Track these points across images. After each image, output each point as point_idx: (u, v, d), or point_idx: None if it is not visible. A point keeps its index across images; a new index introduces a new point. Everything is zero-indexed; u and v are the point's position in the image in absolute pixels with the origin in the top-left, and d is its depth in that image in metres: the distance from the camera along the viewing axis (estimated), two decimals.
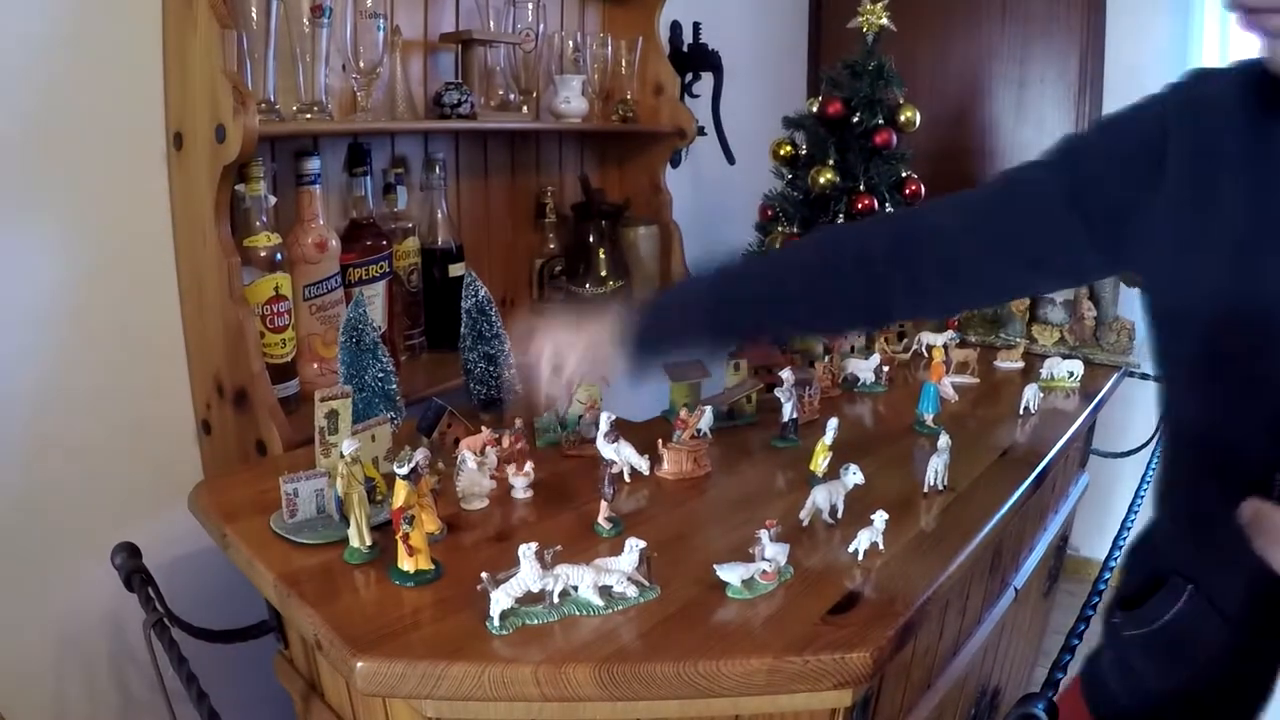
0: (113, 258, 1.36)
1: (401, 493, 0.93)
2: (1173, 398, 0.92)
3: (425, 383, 1.62)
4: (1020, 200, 0.94)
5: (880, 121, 2.07)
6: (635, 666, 0.82)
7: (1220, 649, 0.88)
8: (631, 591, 0.92)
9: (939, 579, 0.99)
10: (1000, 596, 1.49)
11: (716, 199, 2.76)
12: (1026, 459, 1.37)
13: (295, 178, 1.48)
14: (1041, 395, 1.62)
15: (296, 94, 1.46)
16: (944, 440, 1.23)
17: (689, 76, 2.57)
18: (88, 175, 1.31)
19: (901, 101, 2.11)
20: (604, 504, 1.09)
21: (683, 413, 1.31)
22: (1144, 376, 2.19)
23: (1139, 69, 2.81)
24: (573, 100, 1.96)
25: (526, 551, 0.88)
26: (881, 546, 1.03)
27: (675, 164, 2.48)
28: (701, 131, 2.45)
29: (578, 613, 0.90)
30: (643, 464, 1.21)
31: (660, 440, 1.28)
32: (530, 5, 1.94)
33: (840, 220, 2.08)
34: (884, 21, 2.08)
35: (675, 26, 2.52)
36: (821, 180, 2.03)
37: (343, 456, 1.00)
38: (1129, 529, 1.53)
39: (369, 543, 1.01)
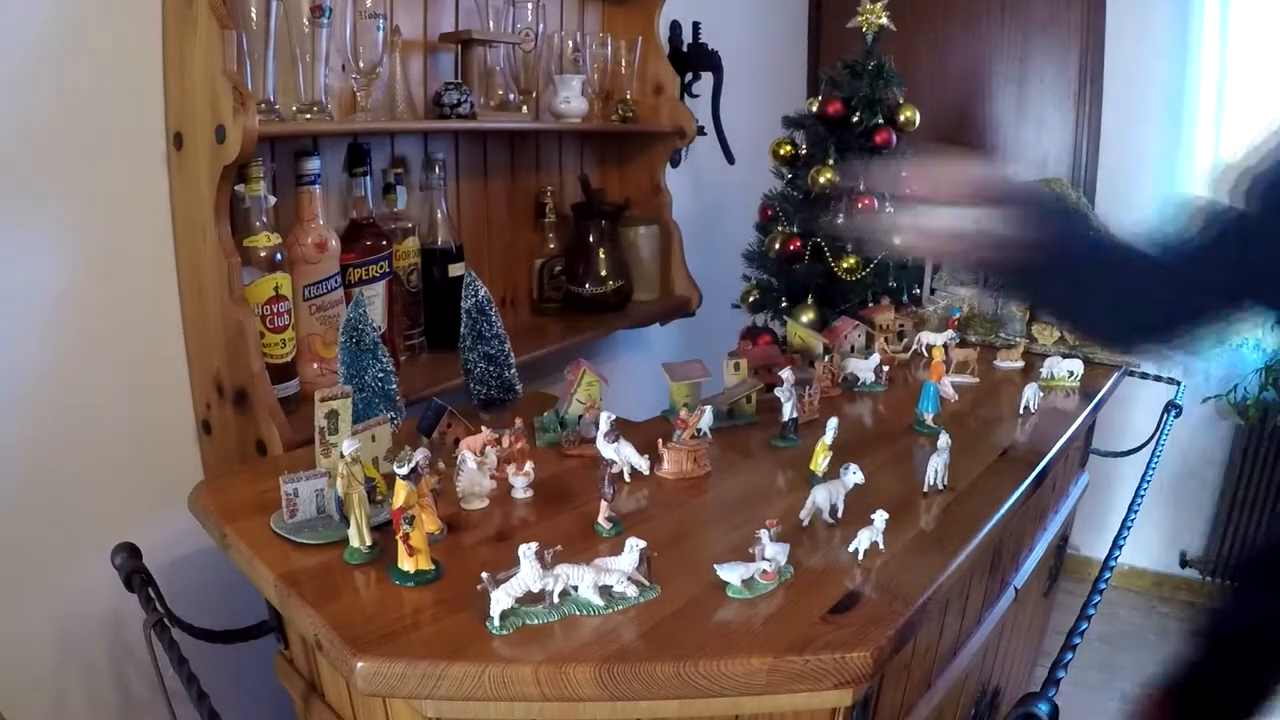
0: (113, 258, 1.36)
1: (401, 493, 0.93)
2: None
3: (425, 383, 1.62)
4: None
5: (880, 121, 2.07)
6: (635, 666, 0.82)
7: None
8: (632, 591, 0.92)
9: (939, 579, 0.99)
10: (1000, 596, 1.49)
11: (716, 199, 2.76)
12: (1026, 458, 1.37)
13: (295, 178, 1.48)
14: (1041, 394, 1.62)
15: (296, 94, 1.46)
16: (944, 440, 1.23)
17: (689, 76, 2.57)
18: (88, 175, 1.31)
19: (901, 101, 2.11)
20: (604, 504, 1.09)
21: (683, 412, 1.31)
22: (1144, 376, 2.19)
23: (1139, 68, 2.81)
24: (572, 100, 1.96)
25: (527, 551, 0.88)
26: (882, 546, 1.03)
27: (675, 164, 2.49)
28: (701, 131, 2.45)
29: (578, 613, 0.90)
30: (643, 464, 1.21)
31: (660, 440, 1.28)
32: (530, 5, 1.94)
33: (840, 220, 2.08)
34: (884, 21, 2.08)
35: (675, 26, 2.52)
36: (821, 180, 2.03)
37: (343, 456, 1.01)
38: (1129, 528, 1.53)
39: (369, 543, 1.01)
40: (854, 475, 1.12)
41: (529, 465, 1.19)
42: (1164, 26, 2.74)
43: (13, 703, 1.28)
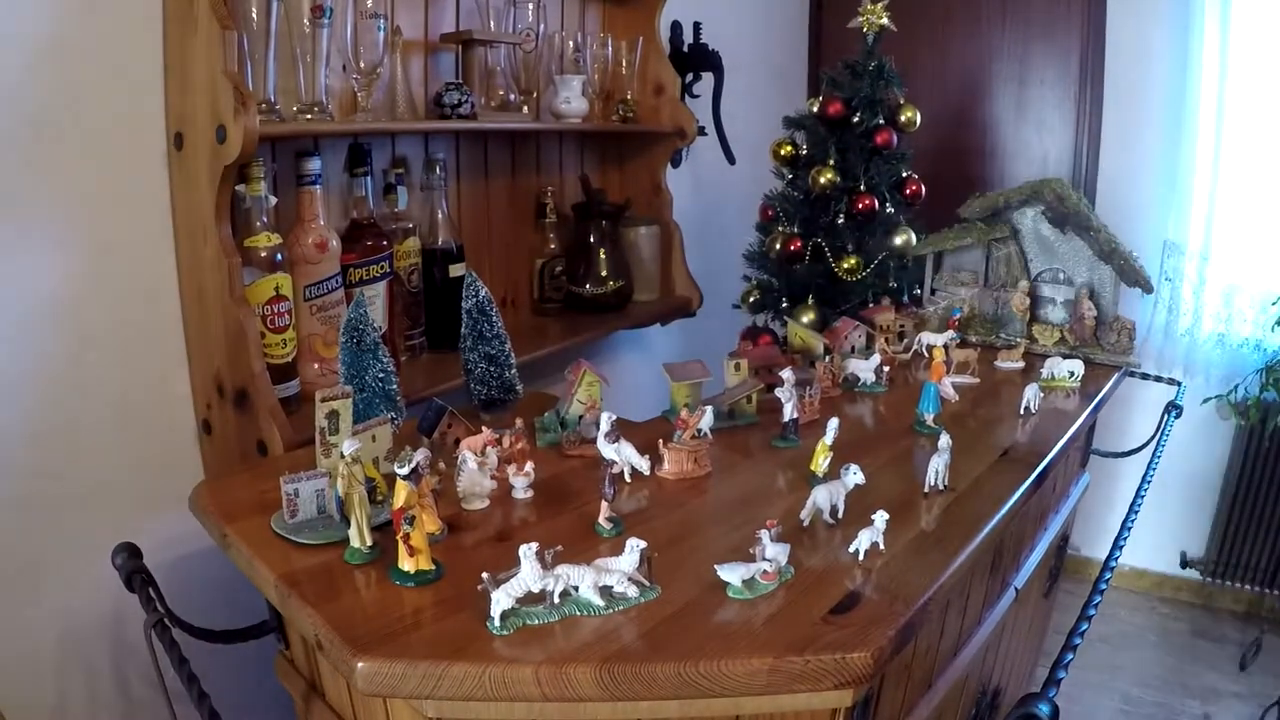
0: (113, 258, 1.36)
1: (402, 493, 0.93)
2: None
3: (426, 383, 1.62)
4: None
5: (881, 121, 2.07)
6: (636, 667, 0.82)
7: None
8: (632, 591, 0.92)
9: (940, 579, 0.99)
10: (1001, 596, 1.49)
11: (717, 199, 2.76)
12: (1027, 459, 1.37)
13: (296, 178, 1.48)
14: (1042, 395, 1.62)
15: (297, 94, 1.46)
16: (944, 440, 1.23)
17: (689, 76, 2.57)
18: (88, 176, 1.31)
19: (902, 101, 2.11)
20: (604, 504, 1.09)
21: (683, 413, 1.31)
22: (1144, 376, 2.19)
23: (1139, 69, 2.81)
24: (573, 100, 1.96)
25: (527, 551, 0.88)
26: (882, 546, 1.03)
27: (675, 164, 2.49)
28: (702, 131, 2.45)
29: (578, 613, 0.90)
30: (643, 464, 1.21)
31: (661, 440, 1.28)
32: (530, 5, 1.94)
33: (841, 221, 2.08)
34: (884, 21, 2.08)
35: (675, 26, 2.52)
36: (822, 180, 2.03)
37: (343, 457, 1.01)
38: (1129, 529, 1.53)
39: (369, 543, 1.01)
40: (854, 476, 1.11)
41: (529, 465, 1.19)
42: (1165, 27, 2.74)
43: (13, 702, 1.28)
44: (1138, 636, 2.87)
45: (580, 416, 1.38)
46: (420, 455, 0.95)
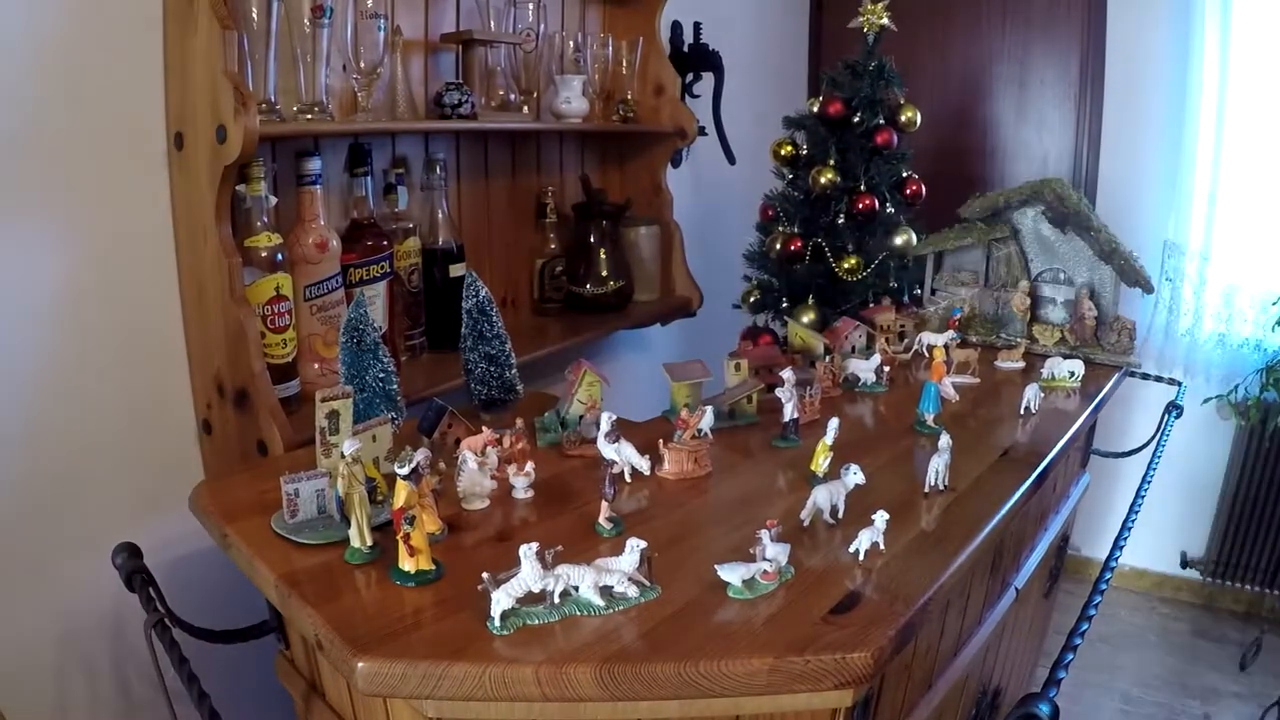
0: (114, 258, 1.36)
1: (402, 493, 0.93)
2: None
3: (426, 383, 1.62)
4: None
5: (881, 121, 2.07)
6: (636, 667, 0.82)
7: None
8: (632, 592, 0.92)
9: (940, 579, 0.99)
10: (1001, 596, 1.49)
11: (717, 199, 2.76)
12: (1027, 459, 1.37)
13: (296, 178, 1.48)
14: (1042, 395, 1.61)
15: (297, 94, 1.46)
16: (945, 440, 1.23)
17: (689, 76, 2.57)
18: (89, 175, 1.31)
19: (902, 101, 2.11)
20: (605, 504, 1.08)
21: (684, 413, 1.31)
22: (1144, 376, 2.19)
23: (1140, 69, 2.81)
24: (573, 100, 1.96)
25: (527, 551, 0.88)
26: (882, 546, 1.03)
27: (676, 164, 2.49)
28: (702, 131, 2.45)
29: (578, 613, 0.90)
30: (643, 464, 1.21)
31: (661, 440, 1.28)
32: (531, 5, 1.94)
33: (841, 221, 2.07)
34: (884, 21, 2.07)
35: (676, 27, 2.52)
36: (822, 180, 2.03)
37: (344, 457, 1.01)
38: (1130, 529, 1.53)
39: (370, 543, 1.01)
40: (855, 476, 1.11)
41: (530, 465, 1.19)
42: (1165, 28, 2.74)
43: (13, 702, 1.28)
44: (1138, 636, 2.87)
45: (580, 416, 1.38)
46: (420, 455, 0.95)
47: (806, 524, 1.10)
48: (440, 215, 1.81)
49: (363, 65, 1.51)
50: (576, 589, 0.91)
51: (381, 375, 1.27)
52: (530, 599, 0.89)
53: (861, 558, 1.02)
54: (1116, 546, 1.48)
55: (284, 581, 0.96)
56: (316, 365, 1.54)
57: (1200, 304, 2.80)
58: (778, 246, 2.11)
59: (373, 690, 0.82)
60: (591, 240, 2.10)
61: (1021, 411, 1.58)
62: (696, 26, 2.54)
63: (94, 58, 1.29)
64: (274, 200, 1.44)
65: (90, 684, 1.39)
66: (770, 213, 2.20)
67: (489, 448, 1.21)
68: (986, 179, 3.01)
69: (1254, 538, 2.82)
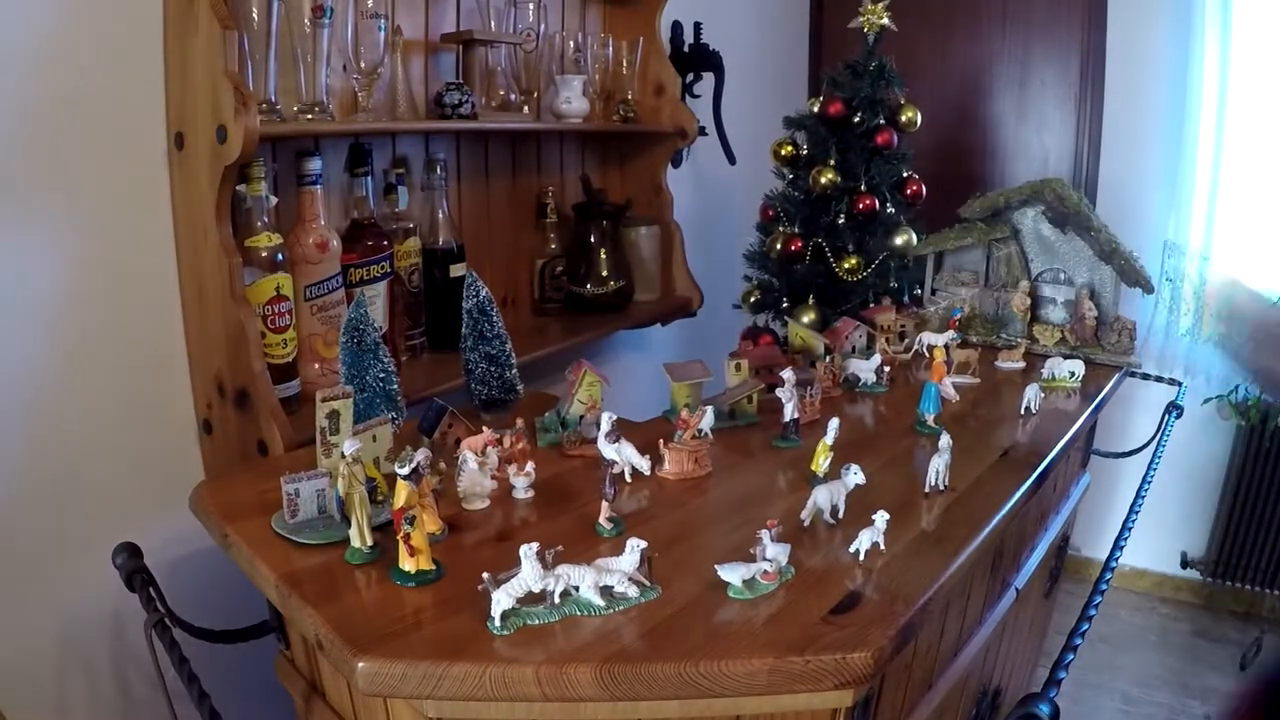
0: (114, 258, 1.36)
1: (403, 493, 0.93)
2: None
3: (426, 383, 1.62)
4: None
5: (881, 121, 2.07)
6: (636, 667, 0.82)
7: None
8: (633, 592, 0.92)
9: (940, 579, 0.99)
10: (1001, 597, 1.49)
11: (717, 199, 2.76)
12: (1027, 459, 1.37)
13: (296, 178, 1.48)
14: (1042, 395, 1.61)
15: (297, 94, 1.46)
16: (945, 440, 1.23)
17: (690, 77, 2.57)
18: (89, 176, 1.31)
19: (903, 101, 2.11)
20: (605, 504, 1.08)
21: (684, 413, 1.31)
22: (1145, 376, 2.19)
23: (1139, 69, 2.81)
24: (574, 100, 1.96)
25: (528, 551, 0.88)
26: (883, 547, 1.03)
27: (676, 164, 2.49)
28: (702, 132, 2.45)
29: (579, 613, 0.90)
30: (644, 464, 1.21)
31: (661, 440, 1.28)
32: (531, 5, 1.94)
33: (841, 221, 2.07)
34: (885, 21, 2.07)
35: (676, 26, 2.52)
36: (823, 180, 2.03)
37: (344, 457, 1.01)
38: (1130, 529, 1.53)
39: (370, 543, 1.01)
40: (855, 476, 1.11)
41: (530, 465, 1.19)
42: (1165, 28, 2.74)
43: (13, 702, 1.28)
44: (1138, 636, 2.87)
45: (581, 416, 1.38)
46: (421, 455, 0.95)
47: (807, 524, 1.10)
48: (440, 215, 1.81)
49: (363, 65, 1.51)
50: (577, 589, 0.91)
51: (382, 375, 1.27)
52: (530, 599, 0.89)
53: (862, 558, 1.02)
54: (1117, 547, 1.48)
55: (284, 581, 0.96)
56: (317, 365, 1.54)
57: (1201, 304, 2.80)
58: (778, 246, 2.11)
59: (373, 690, 0.82)
60: (592, 240, 2.10)
61: (1022, 412, 1.58)
62: (697, 26, 2.54)
63: (94, 58, 1.29)
64: (274, 200, 1.44)
65: (90, 684, 1.39)
66: (770, 213, 2.20)
67: (489, 448, 1.21)
68: (987, 179, 3.01)
69: (1254, 538, 2.82)
